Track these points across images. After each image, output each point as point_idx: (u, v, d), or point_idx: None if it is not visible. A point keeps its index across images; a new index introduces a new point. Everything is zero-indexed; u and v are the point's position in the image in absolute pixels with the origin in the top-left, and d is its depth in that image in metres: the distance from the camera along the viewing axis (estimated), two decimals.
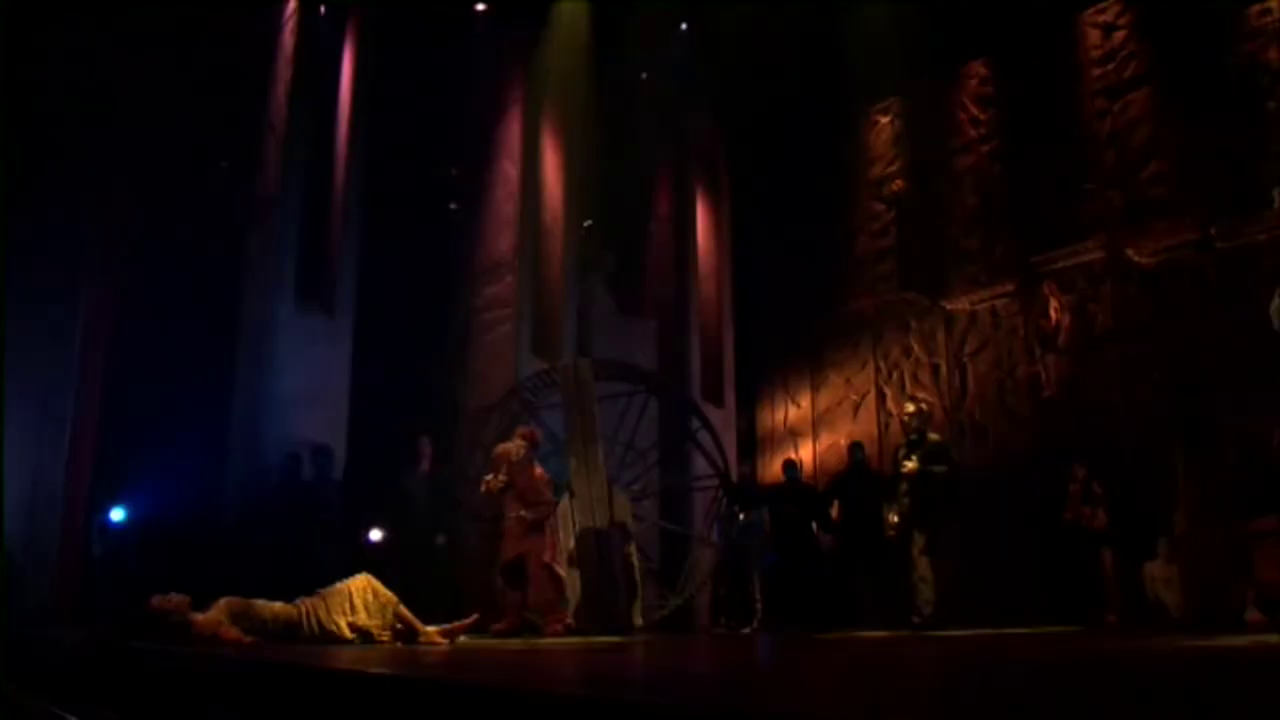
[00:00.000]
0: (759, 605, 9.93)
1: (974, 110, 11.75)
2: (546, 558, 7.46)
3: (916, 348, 11.91)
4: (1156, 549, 8.75)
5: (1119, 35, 10.53)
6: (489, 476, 7.55)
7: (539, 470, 7.61)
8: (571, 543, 8.52)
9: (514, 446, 7.54)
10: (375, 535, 9.30)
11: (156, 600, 5.40)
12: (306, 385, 9.45)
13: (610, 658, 4.32)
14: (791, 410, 13.20)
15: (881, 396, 12.12)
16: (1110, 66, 10.52)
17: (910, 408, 8.57)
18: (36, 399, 8.66)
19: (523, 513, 7.36)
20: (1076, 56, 10.81)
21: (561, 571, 7.71)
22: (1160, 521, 8.59)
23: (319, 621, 5.70)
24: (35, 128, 8.68)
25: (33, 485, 8.52)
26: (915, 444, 8.03)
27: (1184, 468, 7.94)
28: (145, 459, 9.01)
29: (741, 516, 10.44)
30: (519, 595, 7.32)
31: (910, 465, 7.84)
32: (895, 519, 7.99)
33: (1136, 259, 9.99)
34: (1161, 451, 8.43)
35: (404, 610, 6.04)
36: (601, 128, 11.84)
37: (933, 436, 8.20)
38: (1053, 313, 10.64)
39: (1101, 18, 10.68)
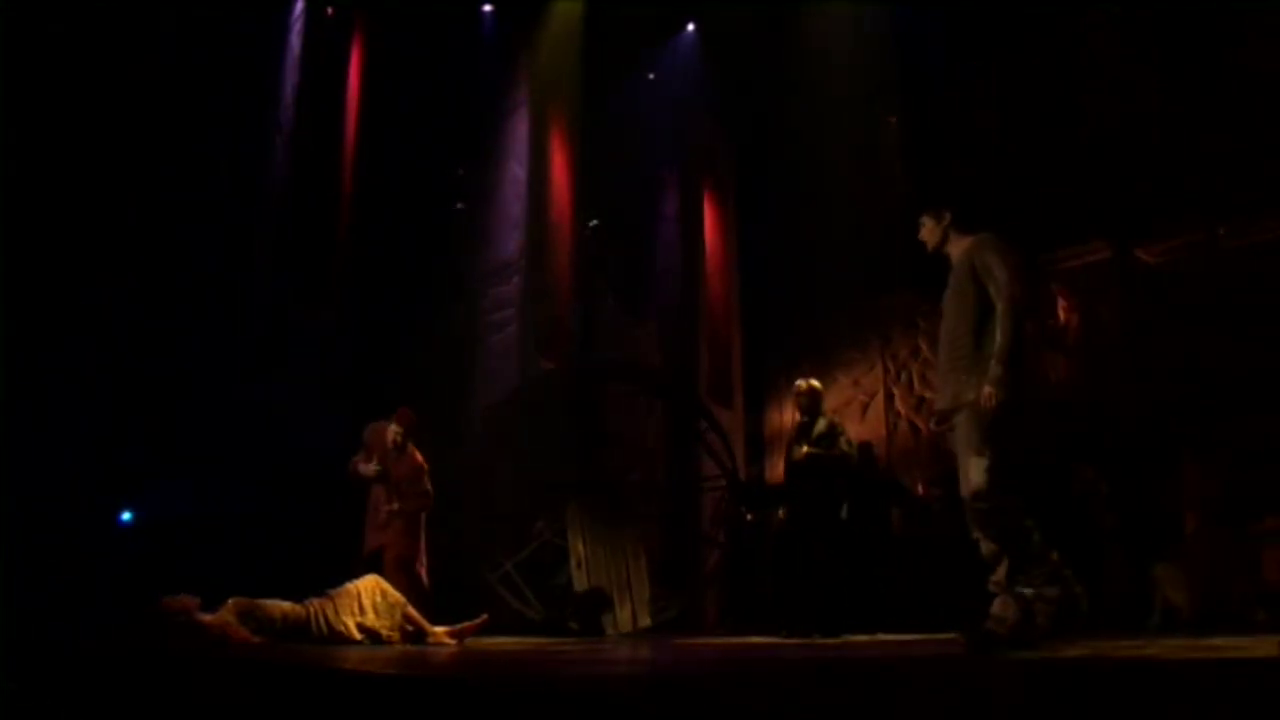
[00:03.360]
0: (766, 607, 9.91)
1: (974, 110, 11.72)
2: (415, 561, 6.77)
3: (924, 348, 11.88)
4: (1165, 549, 8.72)
5: (1120, 35, 10.50)
6: (358, 457, 6.91)
7: (418, 456, 6.95)
8: (579, 544, 8.53)
9: (391, 431, 6.90)
10: None
11: (165, 601, 5.43)
12: (312, 386, 9.47)
13: (616, 658, 4.32)
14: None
15: (890, 397, 12.09)
16: (1112, 66, 10.49)
17: (802, 386, 7.73)
18: (39, 398, 8.68)
19: (395, 506, 6.75)
20: (1077, 56, 10.78)
21: (424, 574, 6.84)
22: (1168, 522, 8.56)
23: (327, 622, 5.72)
24: (37, 127, 8.70)
25: (35, 485, 8.53)
26: (807, 428, 7.42)
27: (1191, 467, 7.92)
28: (151, 459, 9.02)
29: (749, 517, 10.43)
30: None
31: (801, 451, 7.25)
32: (783, 514, 7.46)
33: (1144, 259, 9.96)
34: (1169, 451, 8.40)
35: (412, 611, 6.06)
36: (607, 128, 11.84)
37: (826, 418, 7.60)
38: (1060, 313, 10.61)
39: (1102, 18, 10.65)
